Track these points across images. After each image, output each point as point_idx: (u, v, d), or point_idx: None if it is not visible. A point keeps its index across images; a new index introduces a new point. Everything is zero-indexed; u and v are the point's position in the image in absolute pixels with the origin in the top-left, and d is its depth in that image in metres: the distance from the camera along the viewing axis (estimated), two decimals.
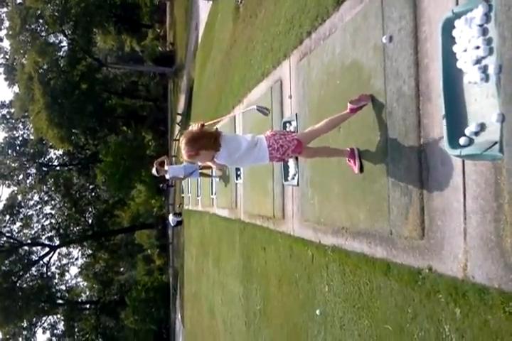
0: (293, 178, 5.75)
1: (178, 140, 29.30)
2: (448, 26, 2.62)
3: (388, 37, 3.48)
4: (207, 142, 3.52)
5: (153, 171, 11.36)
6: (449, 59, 2.62)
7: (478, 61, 2.45)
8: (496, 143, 2.29)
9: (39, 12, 35.47)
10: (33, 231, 45.25)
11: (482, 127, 2.43)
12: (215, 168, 4.02)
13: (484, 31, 2.42)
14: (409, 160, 3.23)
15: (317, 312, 4.90)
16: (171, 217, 23.12)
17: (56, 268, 47.03)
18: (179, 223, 23.69)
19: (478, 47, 2.44)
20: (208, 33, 17.58)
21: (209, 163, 3.78)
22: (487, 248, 2.53)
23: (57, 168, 48.20)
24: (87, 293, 49.77)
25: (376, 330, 3.69)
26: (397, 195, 3.36)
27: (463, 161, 2.72)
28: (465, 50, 2.53)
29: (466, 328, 2.66)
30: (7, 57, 44.24)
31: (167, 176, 11.51)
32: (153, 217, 43.97)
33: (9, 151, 44.87)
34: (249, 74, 8.61)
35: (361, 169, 3.88)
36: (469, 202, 2.68)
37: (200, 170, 11.91)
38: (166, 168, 11.43)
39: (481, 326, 2.54)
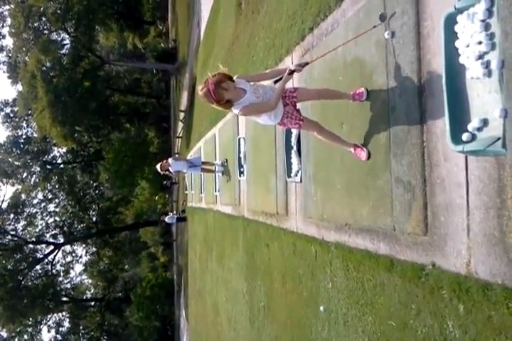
0: (296, 175, 5.75)
1: (181, 137, 29.45)
2: (450, 21, 2.61)
3: (390, 33, 3.47)
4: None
5: (157, 167, 11.78)
6: (451, 54, 2.61)
7: (480, 56, 2.44)
8: (498, 138, 2.29)
9: (42, 10, 35.46)
10: (37, 229, 45.43)
11: (485, 123, 2.42)
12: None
13: (487, 26, 2.41)
14: (412, 155, 3.22)
15: (321, 308, 4.90)
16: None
17: (61, 265, 47.28)
18: (181, 219, 23.75)
19: (480, 43, 2.43)
20: (210, 29, 17.55)
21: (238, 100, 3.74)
22: (490, 244, 2.52)
23: (61, 165, 48.31)
24: (92, 291, 49.99)
25: (380, 326, 3.69)
26: (400, 191, 3.35)
27: (466, 157, 2.71)
28: (467, 46, 2.52)
29: (470, 324, 2.65)
30: (10, 55, 44.25)
31: (171, 169, 11.79)
32: (157, 214, 44.10)
33: (13, 149, 44.89)
34: (252, 71, 8.58)
35: (369, 156, 3.81)
36: (472, 197, 2.67)
37: (202, 166, 12.18)
38: (169, 161, 11.69)
39: (485, 322, 2.54)
